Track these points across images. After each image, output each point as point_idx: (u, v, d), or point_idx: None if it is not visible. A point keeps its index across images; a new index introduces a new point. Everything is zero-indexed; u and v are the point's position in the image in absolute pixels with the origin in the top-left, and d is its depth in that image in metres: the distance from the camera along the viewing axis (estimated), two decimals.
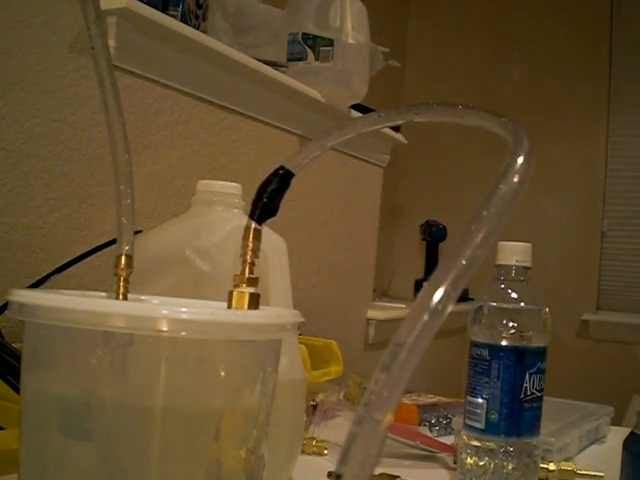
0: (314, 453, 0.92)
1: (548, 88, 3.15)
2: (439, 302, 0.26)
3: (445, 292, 0.26)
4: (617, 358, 2.92)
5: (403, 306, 2.33)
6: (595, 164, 3.10)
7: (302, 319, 0.48)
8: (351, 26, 1.53)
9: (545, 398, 0.87)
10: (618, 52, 3.11)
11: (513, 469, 0.80)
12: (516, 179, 0.29)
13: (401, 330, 0.26)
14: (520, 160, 0.30)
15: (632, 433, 0.49)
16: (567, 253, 3.09)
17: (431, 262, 2.82)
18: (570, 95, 3.13)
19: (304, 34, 1.54)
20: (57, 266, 0.87)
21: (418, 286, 2.77)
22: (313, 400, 1.10)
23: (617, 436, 0.71)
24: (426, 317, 0.26)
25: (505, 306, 0.80)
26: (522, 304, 0.80)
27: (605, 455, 1.04)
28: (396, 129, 1.93)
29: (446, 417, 1.08)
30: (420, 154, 3.10)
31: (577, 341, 3.05)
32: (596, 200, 3.09)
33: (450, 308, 0.26)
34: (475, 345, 0.80)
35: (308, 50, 1.54)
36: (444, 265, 0.26)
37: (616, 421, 1.18)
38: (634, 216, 3.08)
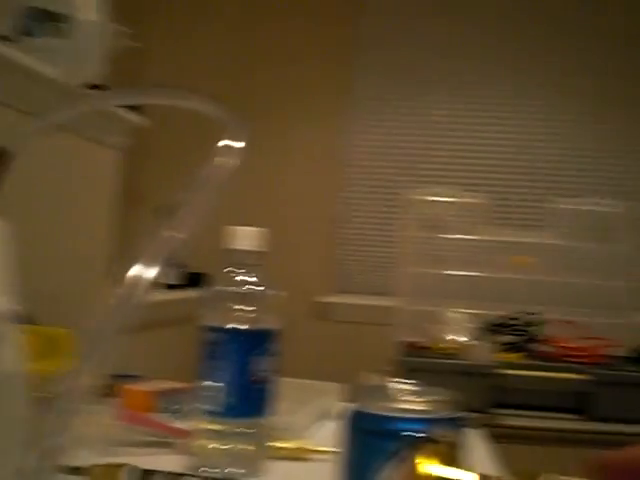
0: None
1: (291, 76, 3.23)
2: (141, 284, 0.25)
3: (146, 274, 0.25)
4: (355, 337, 3.06)
5: None
6: (335, 152, 3.23)
7: (19, 307, 0.46)
8: (89, 3, 1.48)
9: (281, 379, 0.90)
10: (360, 48, 3.25)
11: (248, 449, 0.82)
12: (227, 162, 0.29)
13: (105, 309, 0.25)
14: (231, 144, 0.30)
15: (351, 408, 0.52)
16: (307, 237, 3.20)
17: None
18: (313, 87, 3.23)
19: (38, 9, 1.46)
20: None
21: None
22: (46, 392, 1.05)
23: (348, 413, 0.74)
24: (127, 298, 0.25)
25: (237, 290, 0.80)
26: (255, 288, 0.81)
27: (337, 431, 1.08)
28: (137, 111, 1.89)
29: (183, 403, 1.08)
30: (165, 137, 3.05)
31: (317, 323, 3.16)
32: (335, 186, 3.22)
33: (151, 288, 0.25)
34: (208, 329, 0.80)
35: (42, 26, 1.46)
36: (146, 250, 0.26)
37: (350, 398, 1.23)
38: (370, 202, 3.25)
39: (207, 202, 0.27)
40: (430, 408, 0.50)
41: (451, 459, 0.48)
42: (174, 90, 0.41)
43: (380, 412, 0.50)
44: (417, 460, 0.47)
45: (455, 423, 0.51)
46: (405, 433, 0.48)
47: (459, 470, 0.46)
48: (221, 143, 0.29)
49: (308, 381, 1.25)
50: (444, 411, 0.51)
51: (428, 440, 0.48)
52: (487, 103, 3.25)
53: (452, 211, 2.19)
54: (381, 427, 0.49)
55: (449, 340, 1.83)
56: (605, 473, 0.40)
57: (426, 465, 0.47)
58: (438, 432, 0.48)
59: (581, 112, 3.22)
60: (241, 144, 0.30)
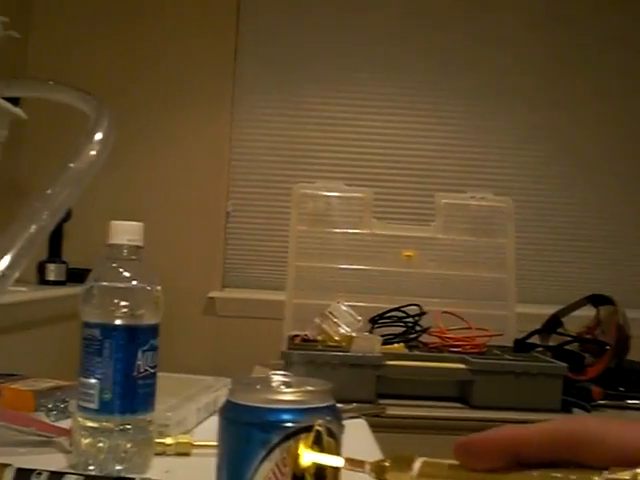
0: None
1: (177, 72, 3.20)
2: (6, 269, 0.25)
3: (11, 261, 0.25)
4: (241, 332, 3.07)
5: (25, 289, 2.23)
6: (220, 147, 3.22)
7: None
8: None
9: (166, 374, 0.89)
10: (243, 41, 3.25)
11: (129, 447, 0.81)
12: (93, 153, 0.29)
13: None
14: (98, 136, 0.30)
15: (227, 400, 0.52)
16: (194, 233, 3.18)
17: (55, 243, 2.73)
18: (197, 81, 3.21)
19: None
20: None
21: (41, 268, 2.67)
22: None
23: None
24: None
25: (116, 285, 0.80)
26: (134, 283, 0.81)
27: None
28: (15, 103, 1.82)
29: (64, 401, 1.06)
30: (45, 129, 2.97)
31: (204, 318, 3.15)
32: (221, 182, 3.21)
33: (16, 275, 0.25)
34: (87, 326, 0.79)
35: None
36: (9, 238, 0.26)
37: None
38: (255, 197, 3.25)
39: (69, 193, 0.27)
40: (305, 399, 0.51)
41: (325, 448, 0.49)
42: (43, 82, 0.41)
43: (252, 403, 0.51)
44: (290, 449, 0.48)
45: (330, 413, 0.52)
46: (278, 423, 0.49)
47: (328, 456, 0.48)
48: (88, 135, 0.29)
49: (197, 376, 1.25)
50: (319, 401, 0.52)
51: (301, 430, 0.49)
52: (373, 99, 3.30)
53: (339, 205, 2.22)
54: (253, 418, 0.50)
55: (337, 333, 1.85)
56: (467, 453, 0.42)
57: (298, 453, 0.48)
58: (311, 422, 0.49)
59: (467, 108, 3.31)
60: (108, 135, 0.30)
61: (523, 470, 0.41)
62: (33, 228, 0.24)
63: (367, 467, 0.46)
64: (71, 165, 0.26)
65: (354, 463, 0.47)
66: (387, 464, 0.45)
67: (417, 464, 0.44)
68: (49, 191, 0.24)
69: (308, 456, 0.48)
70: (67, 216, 2.66)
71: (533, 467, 0.40)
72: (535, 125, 3.30)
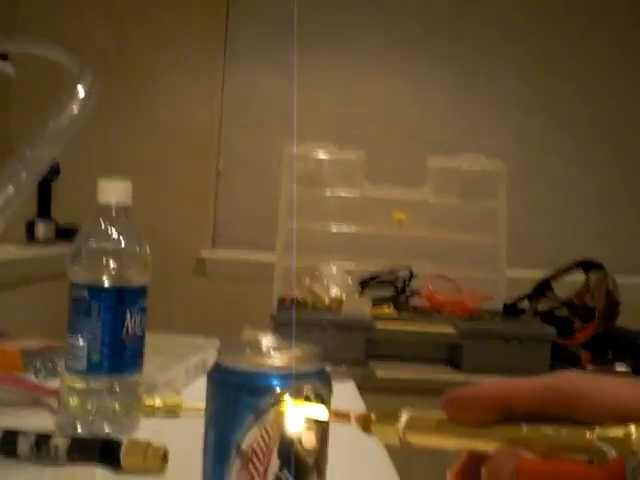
0: None
1: (168, 23, 3.16)
2: None
3: None
4: (231, 293, 3.07)
5: (13, 247, 2.22)
6: (211, 105, 3.18)
7: None
8: None
9: (155, 335, 0.89)
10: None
11: (118, 407, 0.81)
12: (75, 110, 0.28)
13: None
14: (81, 93, 0.29)
15: (215, 363, 0.52)
16: (184, 192, 3.15)
17: (44, 201, 2.70)
18: (187, 35, 3.17)
19: None
20: None
21: (30, 226, 2.64)
22: None
23: None
24: None
25: (105, 246, 0.79)
26: (122, 243, 0.80)
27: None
28: (4, 58, 1.80)
29: (52, 361, 1.06)
30: (36, 86, 2.93)
31: (194, 279, 3.14)
32: (212, 140, 3.19)
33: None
34: (75, 286, 0.78)
35: None
36: None
37: None
38: (246, 156, 3.23)
39: (49, 152, 0.26)
40: (294, 363, 0.51)
41: None
42: (29, 38, 0.39)
43: (241, 367, 0.50)
44: (278, 414, 0.48)
45: (319, 378, 0.51)
46: (266, 388, 0.49)
47: (312, 406, 0.48)
48: (71, 92, 0.28)
49: (186, 337, 1.24)
50: (308, 366, 0.51)
51: (290, 394, 0.49)
52: (364, 59, 3.27)
53: (330, 167, 2.21)
54: (242, 382, 0.49)
55: (326, 295, 1.85)
56: (456, 406, 0.42)
57: (286, 417, 0.48)
58: (300, 386, 0.49)
59: (461, 70, 3.28)
60: (90, 92, 0.29)
61: (513, 424, 0.40)
62: (11, 189, 0.23)
63: (353, 419, 0.46)
64: (51, 123, 0.25)
65: (339, 415, 0.47)
66: (373, 416, 0.45)
67: (404, 417, 0.43)
68: (27, 152, 0.24)
69: (294, 409, 0.48)
70: (56, 173, 2.63)
71: (523, 421, 0.40)
72: (531, 90, 3.28)
